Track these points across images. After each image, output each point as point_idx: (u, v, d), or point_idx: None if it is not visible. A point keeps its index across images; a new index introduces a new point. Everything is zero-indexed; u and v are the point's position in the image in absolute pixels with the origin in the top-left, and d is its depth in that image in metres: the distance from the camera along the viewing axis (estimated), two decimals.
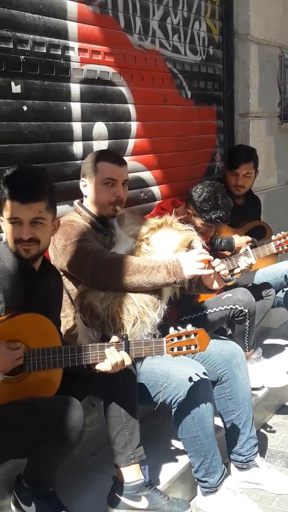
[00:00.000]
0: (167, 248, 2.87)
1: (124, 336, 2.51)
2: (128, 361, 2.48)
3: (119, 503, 2.68)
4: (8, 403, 2.33)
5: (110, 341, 2.51)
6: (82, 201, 3.10)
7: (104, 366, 2.46)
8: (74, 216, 3.01)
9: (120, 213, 3.01)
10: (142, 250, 2.88)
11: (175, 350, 2.55)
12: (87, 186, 3.07)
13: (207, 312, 3.48)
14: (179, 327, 2.61)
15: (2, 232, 2.55)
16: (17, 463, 2.61)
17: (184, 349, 2.56)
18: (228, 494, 2.95)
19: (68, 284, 2.92)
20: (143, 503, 2.67)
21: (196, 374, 2.87)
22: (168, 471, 3.03)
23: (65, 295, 2.92)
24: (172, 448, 3.22)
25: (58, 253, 2.85)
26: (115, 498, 2.69)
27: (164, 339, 2.55)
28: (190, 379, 2.84)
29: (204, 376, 2.89)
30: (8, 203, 2.42)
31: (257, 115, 5.16)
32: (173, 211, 3.10)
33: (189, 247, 2.88)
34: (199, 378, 2.86)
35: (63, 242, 2.83)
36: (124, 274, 2.72)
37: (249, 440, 3.19)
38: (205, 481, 2.92)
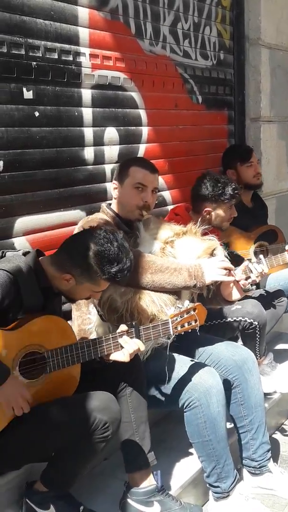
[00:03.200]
0: (190, 253, 2.92)
1: (134, 324, 2.54)
2: (142, 347, 2.52)
3: (131, 508, 2.67)
4: (38, 405, 2.37)
5: (120, 330, 2.53)
6: (110, 204, 3.15)
7: (122, 356, 2.50)
8: (101, 216, 3.06)
9: (146, 217, 3.05)
10: (166, 252, 2.94)
11: (179, 328, 2.60)
12: (117, 188, 3.11)
13: (217, 322, 3.48)
14: (178, 305, 2.65)
15: None
16: (19, 473, 2.61)
17: (186, 325, 2.61)
18: (240, 499, 2.94)
19: None
20: (156, 508, 2.67)
21: (199, 366, 2.91)
22: (180, 476, 3.02)
23: None
24: (184, 453, 3.21)
25: None
26: (126, 504, 2.69)
27: (169, 319, 2.58)
28: (192, 369, 2.87)
29: (217, 379, 2.89)
30: None
31: (268, 120, 5.15)
32: (199, 220, 3.16)
33: (212, 254, 2.93)
34: (201, 368, 2.88)
35: None
36: (146, 272, 2.77)
37: (262, 445, 3.18)
38: (217, 486, 2.91)
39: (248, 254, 4.11)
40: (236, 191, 3.61)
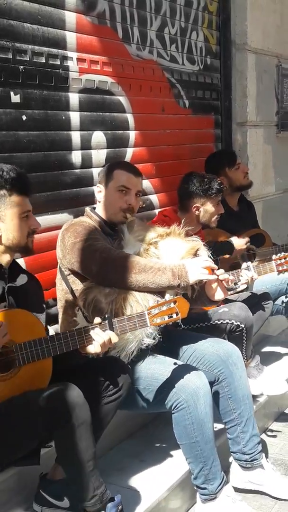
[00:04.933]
0: (174, 254, 2.94)
1: (106, 316, 2.54)
2: (115, 339, 2.51)
3: None
4: (8, 399, 2.36)
5: (94, 323, 2.52)
6: (94, 208, 3.16)
7: (93, 348, 2.49)
8: (85, 219, 3.08)
9: (130, 220, 3.07)
10: (150, 253, 2.95)
11: (158, 320, 2.57)
12: (101, 192, 3.13)
13: (204, 325, 3.49)
14: (158, 298, 2.66)
15: None
16: (18, 470, 2.62)
17: (166, 318, 2.58)
18: (228, 501, 2.94)
19: (73, 284, 2.96)
20: None
21: (186, 368, 2.90)
22: (167, 479, 3.02)
23: (68, 295, 2.97)
24: (171, 455, 3.21)
25: (67, 250, 2.90)
26: None
27: (146, 311, 2.57)
28: (179, 371, 2.86)
29: (204, 381, 2.90)
30: None
31: (254, 124, 5.19)
32: (182, 221, 3.18)
33: (195, 255, 2.95)
34: (189, 372, 2.88)
35: (72, 239, 2.89)
36: (130, 272, 2.78)
37: (252, 438, 3.18)
38: (205, 488, 2.92)
39: (236, 258, 4.14)
40: (222, 186, 3.72)
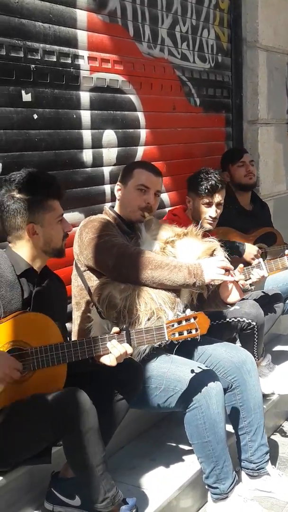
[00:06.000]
0: (191, 254, 2.94)
1: (124, 327, 2.53)
2: (130, 351, 2.51)
3: None
4: (17, 401, 2.36)
5: (111, 333, 2.52)
6: (113, 206, 3.17)
7: (108, 360, 2.49)
8: (103, 216, 3.09)
9: (148, 219, 3.07)
10: (167, 251, 2.95)
11: (176, 335, 2.55)
12: (121, 190, 3.14)
13: (215, 323, 3.48)
14: (178, 312, 2.65)
15: None
16: (29, 469, 2.62)
17: (185, 333, 2.55)
18: (239, 501, 2.94)
19: (89, 280, 2.97)
20: None
21: (199, 367, 2.90)
22: (179, 478, 3.02)
23: (83, 291, 2.98)
24: (183, 454, 3.21)
25: (84, 246, 2.91)
26: None
27: (164, 325, 2.55)
28: (192, 371, 2.86)
29: (216, 380, 2.90)
30: None
31: (265, 122, 5.17)
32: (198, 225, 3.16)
33: (212, 255, 2.95)
34: (201, 371, 2.87)
35: (90, 235, 2.90)
36: (146, 268, 2.79)
37: (260, 447, 3.18)
38: (216, 487, 2.91)
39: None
40: (213, 190, 3.58)
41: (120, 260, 2.81)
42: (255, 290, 3.81)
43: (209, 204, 3.62)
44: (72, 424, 2.33)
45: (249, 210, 4.40)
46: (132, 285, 2.80)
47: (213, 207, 3.62)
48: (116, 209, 3.15)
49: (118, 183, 3.18)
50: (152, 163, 3.43)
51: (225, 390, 3.11)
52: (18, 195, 2.47)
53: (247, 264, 3.72)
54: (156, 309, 2.77)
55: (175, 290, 2.85)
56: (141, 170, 3.13)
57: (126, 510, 2.46)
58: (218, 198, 3.62)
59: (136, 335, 2.53)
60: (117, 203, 3.17)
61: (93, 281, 2.94)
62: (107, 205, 3.19)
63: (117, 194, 3.17)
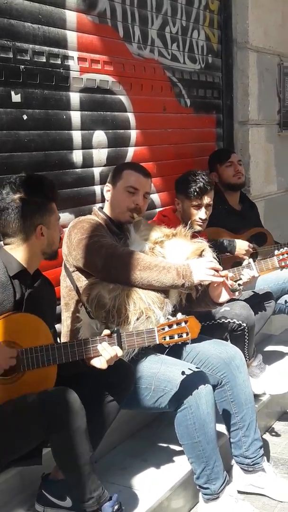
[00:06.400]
0: (180, 254, 2.94)
1: (115, 329, 2.54)
2: (120, 353, 2.52)
3: None
4: (6, 401, 2.36)
5: (102, 335, 2.52)
6: (102, 207, 3.18)
7: (99, 363, 2.49)
8: (92, 217, 3.10)
9: (137, 220, 3.08)
10: (156, 251, 2.96)
11: (167, 338, 2.57)
12: (110, 191, 3.15)
13: (205, 324, 3.49)
14: (169, 316, 2.65)
15: None
16: (19, 470, 2.62)
17: (176, 337, 2.57)
18: (230, 501, 2.94)
19: (78, 281, 2.97)
20: None
21: (189, 368, 2.90)
22: (170, 478, 3.03)
23: (72, 292, 2.98)
24: (174, 454, 3.21)
25: (73, 247, 2.91)
26: None
27: (155, 328, 2.57)
28: (183, 372, 2.86)
29: (206, 381, 2.90)
30: None
31: (256, 123, 5.18)
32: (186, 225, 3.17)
33: (201, 256, 2.95)
34: (191, 372, 2.88)
35: (79, 236, 2.90)
36: (134, 269, 2.79)
37: (254, 442, 3.19)
38: (207, 488, 2.91)
39: (238, 256, 4.12)
40: (202, 192, 3.59)
41: (109, 261, 2.81)
42: (245, 290, 3.82)
43: (198, 207, 3.63)
44: (60, 423, 2.34)
45: (238, 210, 4.42)
46: (120, 285, 2.80)
47: (203, 209, 3.63)
48: (105, 210, 3.16)
49: (107, 184, 3.18)
50: (143, 164, 3.44)
51: (215, 387, 3.12)
52: (27, 198, 2.50)
53: (239, 262, 3.74)
54: (145, 309, 2.77)
55: (164, 290, 2.85)
56: (130, 171, 3.14)
57: (109, 507, 2.47)
58: (207, 199, 3.63)
59: (127, 338, 2.54)
60: (106, 204, 3.18)
61: (82, 281, 2.94)
62: (96, 206, 3.18)
63: (106, 195, 3.17)
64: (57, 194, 2.66)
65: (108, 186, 3.17)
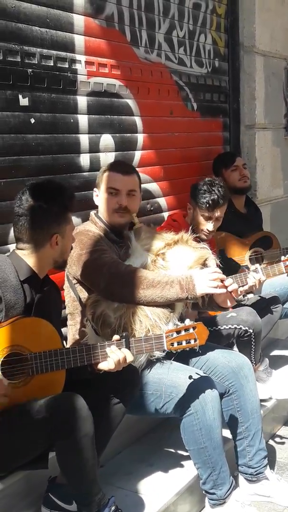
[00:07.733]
0: (182, 264, 2.91)
1: (124, 334, 2.53)
2: (130, 358, 2.50)
3: None
4: (13, 406, 2.35)
5: (112, 340, 2.52)
6: (97, 212, 3.15)
7: (107, 364, 2.48)
8: (90, 226, 3.05)
9: (138, 227, 3.05)
10: (158, 265, 2.92)
11: (175, 344, 2.56)
12: (98, 195, 3.12)
13: (211, 329, 3.47)
14: (177, 322, 2.64)
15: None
16: (26, 474, 2.61)
17: (184, 343, 2.56)
18: (237, 506, 2.93)
19: (81, 292, 2.96)
20: None
21: (196, 373, 2.89)
22: (176, 483, 3.02)
23: (76, 303, 2.97)
24: (180, 459, 3.20)
25: (73, 261, 2.88)
26: None
27: (164, 334, 2.56)
28: (190, 377, 2.85)
29: (212, 386, 2.89)
30: None
31: (263, 127, 5.18)
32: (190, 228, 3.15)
33: (204, 264, 2.93)
34: (198, 376, 2.87)
35: (78, 251, 2.87)
36: (138, 288, 2.76)
37: (259, 452, 3.17)
38: (213, 493, 2.90)
39: (244, 260, 4.12)
40: (214, 205, 3.54)
41: (111, 281, 2.78)
42: (255, 294, 3.81)
43: (208, 218, 3.60)
44: (68, 430, 2.33)
45: (244, 214, 4.42)
46: (125, 304, 2.78)
47: (212, 222, 3.61)
48: (100, 215, 3.10)
49: (95, 188, 3.16)
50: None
51: (222, 395, 3.10)
52: (46, 206, 2.49)
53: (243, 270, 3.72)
54: (151, 326, 2.76)
55: (169, 304, 2.82)
56: (109, 172, 3.09)
57: (106, 509, 2.48)
58: (218, 213, 3.60)
59: (135, 343, 2.53)
60: (99, 209, 3.14)
61: (85, 292, 2.94)
62: (92, 212, 3.14)
63: (95, 200, 3.14)
64: (73, 204, 2.63)
65: (95, 191, 3.14)
